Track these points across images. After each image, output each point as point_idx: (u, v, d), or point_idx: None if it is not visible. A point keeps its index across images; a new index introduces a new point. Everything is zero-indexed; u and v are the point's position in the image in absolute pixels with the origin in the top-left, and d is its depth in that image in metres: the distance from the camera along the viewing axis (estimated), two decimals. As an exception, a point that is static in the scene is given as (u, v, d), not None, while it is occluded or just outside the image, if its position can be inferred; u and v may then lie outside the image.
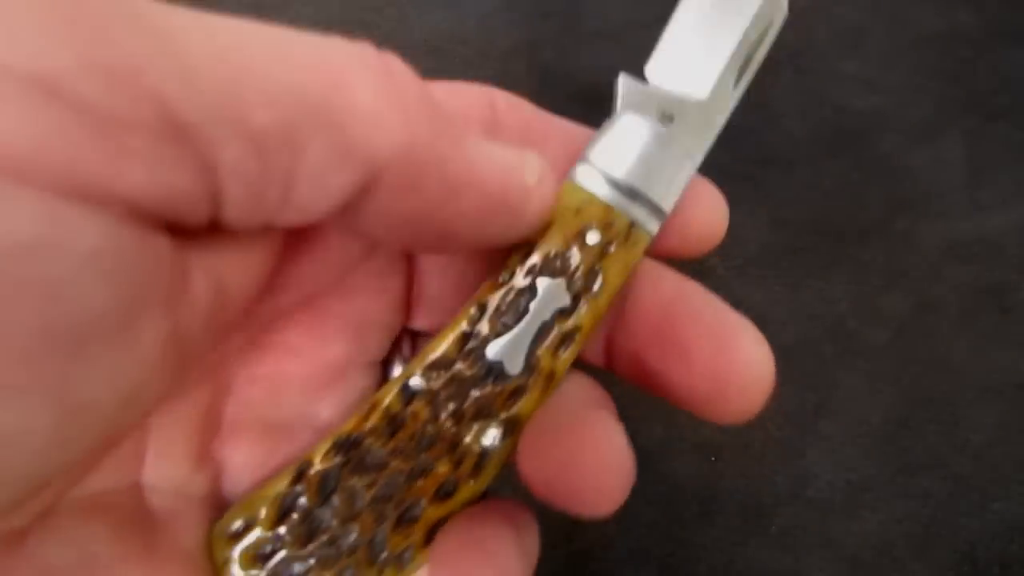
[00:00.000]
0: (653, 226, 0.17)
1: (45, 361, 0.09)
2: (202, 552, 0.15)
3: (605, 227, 0.16)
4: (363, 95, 0.11)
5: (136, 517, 0.14)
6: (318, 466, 0.15)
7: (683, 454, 0.27)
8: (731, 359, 0.15)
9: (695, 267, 0.30)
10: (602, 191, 0.16)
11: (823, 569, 0.26)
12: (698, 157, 0.17)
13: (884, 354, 0.29)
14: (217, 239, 0.12)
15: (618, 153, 0.16)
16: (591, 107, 0.20)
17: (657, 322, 0.16)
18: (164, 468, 0.15)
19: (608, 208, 0.16)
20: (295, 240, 0.15)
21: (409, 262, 0.18)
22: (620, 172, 0.16)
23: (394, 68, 0.12)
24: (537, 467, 0.15)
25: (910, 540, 0.26)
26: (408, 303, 0.18)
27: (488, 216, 0.14)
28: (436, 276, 0.18)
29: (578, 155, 0.17)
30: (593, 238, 0.16)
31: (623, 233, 0.16)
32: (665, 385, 0.16)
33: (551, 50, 0.34)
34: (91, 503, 0.13)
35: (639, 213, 0.16)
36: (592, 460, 0.15)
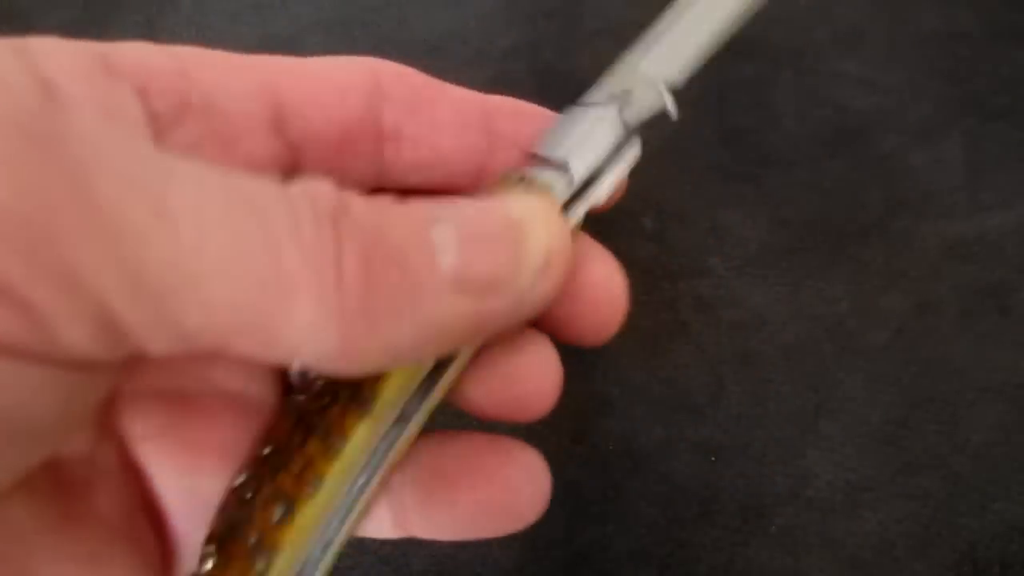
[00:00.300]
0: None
1: None
2: (124, 519, 0.16)
3: None
4: (302, 313, 0.11)
5: (52, 488, 0.15)
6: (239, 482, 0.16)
7: (683, 454, 0.27)
8: (584, 282, 0.16)
9: (695, 267, 0.30)
10: (569, 205, 0.17)
11: (823, 569, 0.26)
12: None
13: (884, 354, 0.29)
14: None
15: (589, 162, 0.17)
16: (591, 107, 0.19)
17: None
18: (72, 441, 0.16)
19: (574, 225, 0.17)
20: None
21: None
22: (589, 189, 0.17)
23: (340, 217, 0.12)
24: (481, 391, 0.17)
25: (910, 540, 0.26)
26: None
27: (465, 342, 0.15)
28: None
29: (470, 121, 0.17)
30: None
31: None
32: None
33: (551, 50, 0.34)
34: None
35: (582, 216, 0.17)
36: (528, 368, 0.17)
